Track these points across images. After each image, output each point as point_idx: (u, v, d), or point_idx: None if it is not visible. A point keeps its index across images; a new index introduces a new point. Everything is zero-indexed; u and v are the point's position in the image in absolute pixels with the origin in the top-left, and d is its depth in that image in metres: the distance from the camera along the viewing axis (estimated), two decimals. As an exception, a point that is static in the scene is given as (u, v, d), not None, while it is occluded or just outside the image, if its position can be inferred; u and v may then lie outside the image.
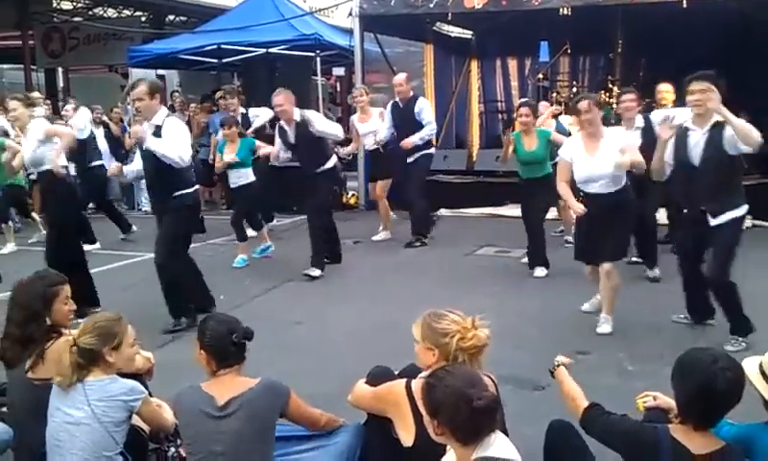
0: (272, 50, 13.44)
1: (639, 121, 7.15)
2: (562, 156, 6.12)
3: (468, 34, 15.84)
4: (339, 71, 15.38)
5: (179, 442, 3.51)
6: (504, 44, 15.71)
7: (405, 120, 9.35)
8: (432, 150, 9.66)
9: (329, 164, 8.08)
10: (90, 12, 18.86)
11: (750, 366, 2.91)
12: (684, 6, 10.47)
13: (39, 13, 17.30)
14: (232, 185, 8.85)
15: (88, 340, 3.25)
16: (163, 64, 15.42)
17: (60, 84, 19.04)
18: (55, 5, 18.07)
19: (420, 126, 9.27)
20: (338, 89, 18.29)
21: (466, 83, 16.16)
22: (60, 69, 18.90)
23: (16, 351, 3.56)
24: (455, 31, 15.54)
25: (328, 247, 8.32)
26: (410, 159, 9.39)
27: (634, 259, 7.61)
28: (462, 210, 11.79)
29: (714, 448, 2.72)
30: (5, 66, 18.72)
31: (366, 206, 12.30)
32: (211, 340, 3.20)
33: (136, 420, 3.39)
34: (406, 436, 3.03)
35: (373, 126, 9.57)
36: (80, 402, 3.19)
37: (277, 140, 8.23)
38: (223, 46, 13.26)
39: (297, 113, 7.89)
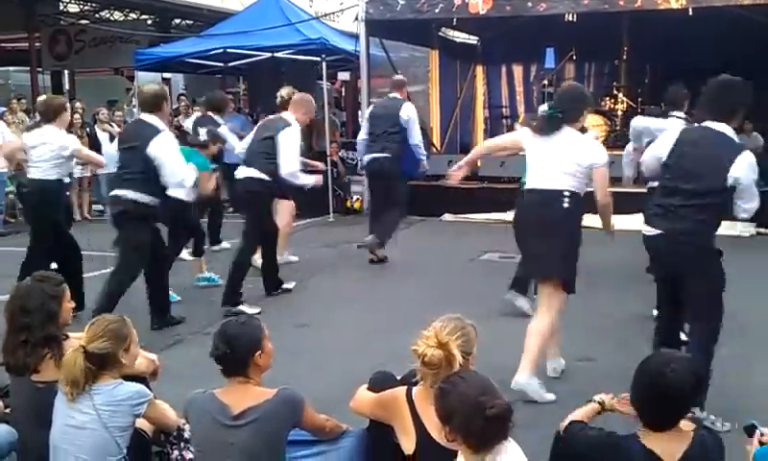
0: (277, 54, 13.44)
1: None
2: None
3: (473, 39, 15.86)
4: (344, 76, 15.40)
5: (182, 444, 3.51)
6: (509, 50, 15.72)
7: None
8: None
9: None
10: (97, 15, 18.91)
11: None
12: (690, 13, 10.49)
13: (46, 16, 17.35)
14: None
15: (102, 344, 3.23)
16: (169, 68, 15.46)
17: (66, 86, 19.10)
18: (62, 7, 18.12)
19: None
20: (343, 94, 18.30)
21: (471, 88, 16.17)
22: (65, 71, 18.95)
23: (38, 353, 3.53)
24: (460, 36, 15.57)
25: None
26: None
27: None
28: (466, 216, 11.79)
29: (684, 446, 2.73)
30: (11, 69, 18.81)
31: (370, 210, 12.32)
32: (213, 349, 3.16)
33: (139, 423, 3.39)
34: (407, 443, 3.03)
35: None
36: (85, 407, 3.19)
37: None
38: (228, 50, 13.27)
39: None
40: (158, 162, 6.10)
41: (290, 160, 7.04)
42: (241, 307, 6.65)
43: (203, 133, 7.56)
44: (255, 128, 7.74)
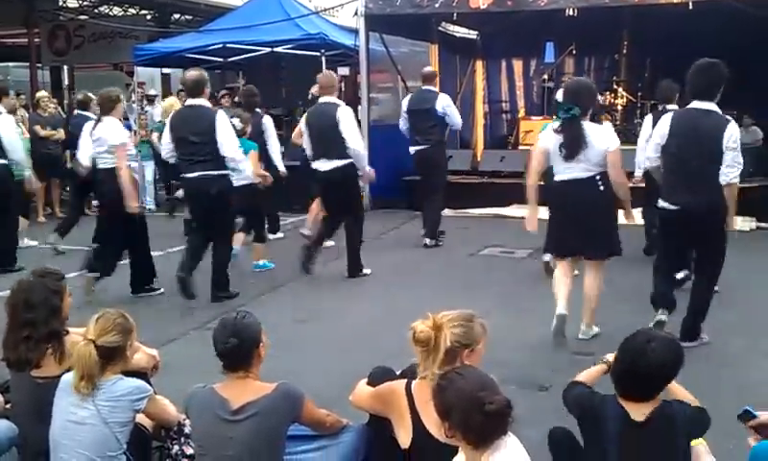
0: (277, 49, 13.44)
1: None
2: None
3: (473, 34, 15.81)
4: (344, 71, 15.36)
5: (182, 439, 3.51)
6: (509, 45, 15.67)
7: None
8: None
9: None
10: (96, 11, 18.88)
11: None
12: (690, 7, 10.46)
13: (45, 11, 17.30)
14: None
15: (113, 338, 3.24)
16: (168, 63, 15.45)
17: (66, 81, 19.07)
18: (61, 3, 18.08)
19: None
20: (343, 89, 18.27)
21: (470, 83, 16.12)
22: (65, 67, 18.93)
23: (41, 348, 3.54)
24: (460, 31, 15.52)
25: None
26: None
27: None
28: (466, 211, 11.78)
29: (652, 408, 2.91)
30: (10, 64, 18.74)
31: (370, 205, 12.31)
32: (214, 342, 3.17)
33: (139, 418, 3.39)
34: (403, 437, 3.02)
35: None
36: (85, 402, 3.19)
37: None
38: (228, 45, 13.27)
39: None
40: (219, 136, 6.70)
41: (357, 136, 7.66)
42: (365, 271, 7.93)
43: (236, 122, 7.75)
44: (306, 124, 7.90)
